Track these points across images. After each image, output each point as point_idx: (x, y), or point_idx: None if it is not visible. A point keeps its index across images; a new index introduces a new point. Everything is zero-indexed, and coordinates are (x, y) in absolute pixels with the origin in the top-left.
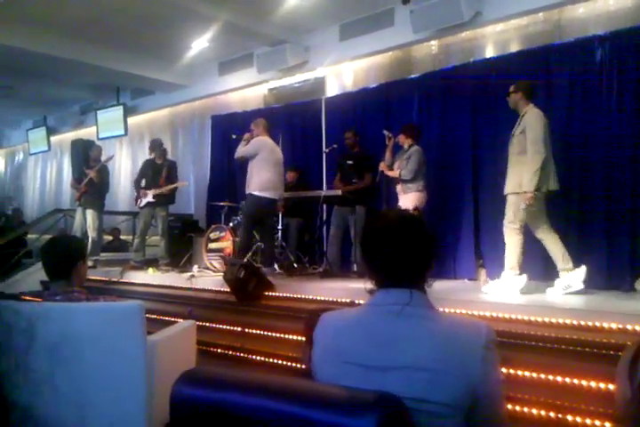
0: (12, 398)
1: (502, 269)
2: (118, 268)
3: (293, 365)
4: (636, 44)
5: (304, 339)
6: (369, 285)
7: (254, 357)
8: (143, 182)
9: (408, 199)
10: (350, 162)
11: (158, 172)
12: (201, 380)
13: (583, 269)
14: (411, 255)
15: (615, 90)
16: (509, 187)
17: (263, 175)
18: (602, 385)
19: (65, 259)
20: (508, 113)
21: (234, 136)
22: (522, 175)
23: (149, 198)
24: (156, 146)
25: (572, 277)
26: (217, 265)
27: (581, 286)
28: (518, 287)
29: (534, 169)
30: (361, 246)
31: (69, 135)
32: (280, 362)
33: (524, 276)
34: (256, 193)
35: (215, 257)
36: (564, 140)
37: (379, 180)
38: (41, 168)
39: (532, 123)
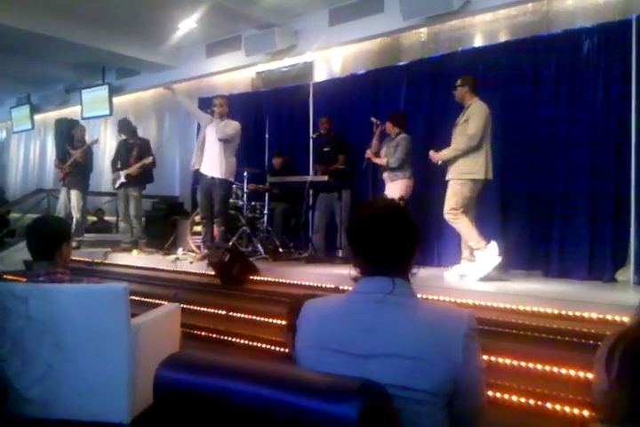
0: (9, 381)
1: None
2: (102, 249)
3: (277, 348)
4: (622, 37)
5: (285, 323)
6: (353, 272)
7: (238, 340)
8: (119, 164)
9: (395, 187)
10: (327, 149)
11: (129, 151)
12: (185, 364)
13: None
14: (395, 245)
15: (601, 82)
16: (452, 173)
17: (233, 162)
18: (581, 374)
19: (50, 240)
20: (494, 102)
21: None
22: (464, 163)
23: (122, 179)
24: (124, 126)
25: (469, 266)
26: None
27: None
28: (495, 254)
29: (459, 147)
30: (347, 235)
31: (53, 114)
32: (264, 346)
33: (493, 242)
34: (229, 179)
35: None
36: (548, 130)
37: (365, 167)
38: (24, 147)
39: (475, 113)
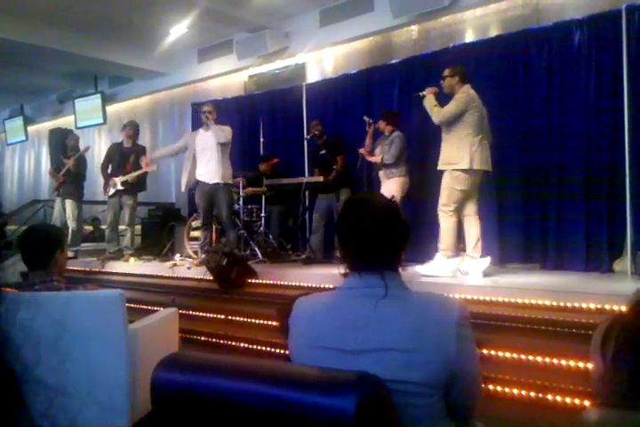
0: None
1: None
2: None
3: (277, 351)
4: (613, 28)
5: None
6: (342, 268)
7: (238, 344)
8: (111, 169)
9: (391, 185)
10: (323, 152)
11: (126, 157)
12: (181, 364)
13: (487, 260)
14: (384, 242)
15: (593, 73)
16: (440, 163)
17: (230, 165)
18: (581, 364)
19: (43, 248)
20: (488, 98)
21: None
22: (450, 152)
23: (118, 186)
24: (134, 126)
25: (474, 265)
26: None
27: (480, 276)
28: (481, 269)
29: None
30: (336, 232)
31: (47, 125)
32: (264, 348)
33: (488, 258)
34: (230, 182)
35: (197, 245)
36: (542, 123)
37: (359, 165)
38: (19, 158)
39: (457, 97)
